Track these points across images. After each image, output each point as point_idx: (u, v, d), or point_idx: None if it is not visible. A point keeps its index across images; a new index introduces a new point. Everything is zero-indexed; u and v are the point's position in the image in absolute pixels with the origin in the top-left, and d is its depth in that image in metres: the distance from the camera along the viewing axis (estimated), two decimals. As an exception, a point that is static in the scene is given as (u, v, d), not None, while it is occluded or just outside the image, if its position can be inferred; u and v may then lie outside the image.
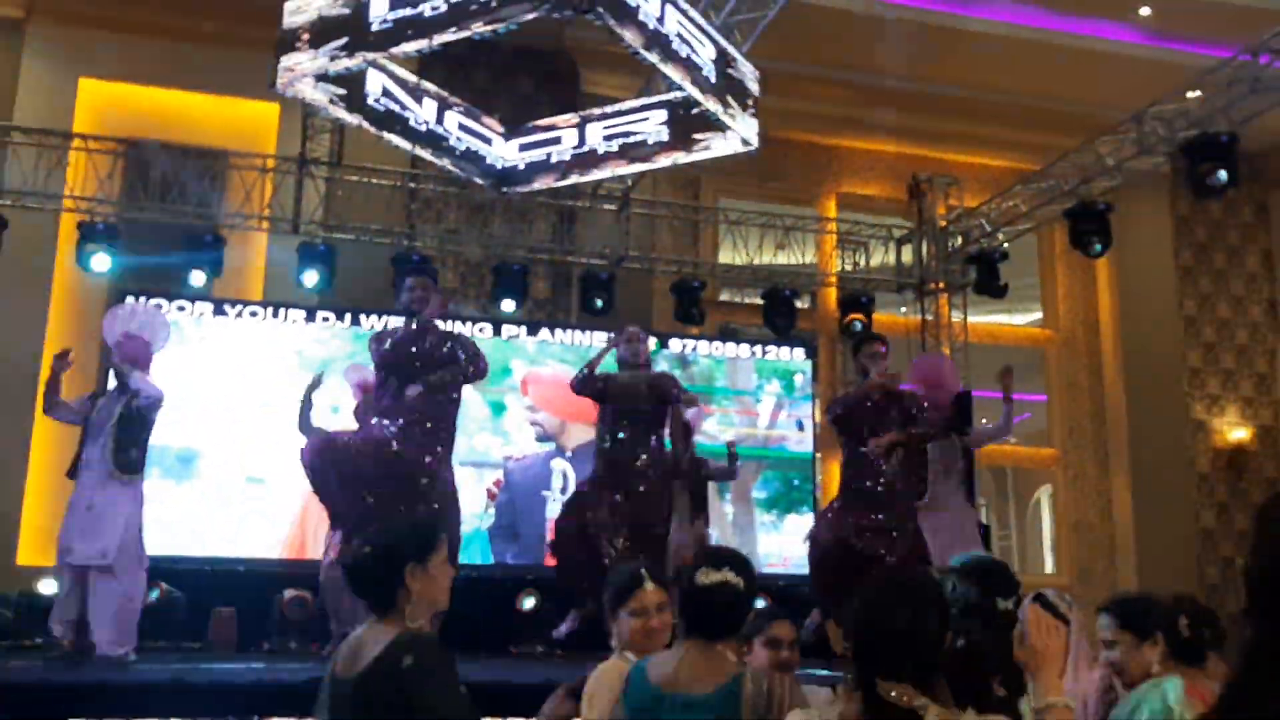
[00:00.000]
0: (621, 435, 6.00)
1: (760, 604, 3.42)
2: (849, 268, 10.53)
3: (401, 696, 2.28)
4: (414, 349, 5.61)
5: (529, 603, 7.43)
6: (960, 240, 10.12)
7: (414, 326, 5.71)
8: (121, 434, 5.61)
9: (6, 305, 8.64)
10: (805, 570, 8.96)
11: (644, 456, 5.97)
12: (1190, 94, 7.78)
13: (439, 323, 5.87)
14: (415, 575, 2.47)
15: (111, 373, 5.99)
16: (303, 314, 8.34)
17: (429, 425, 5.49)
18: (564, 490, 8.31)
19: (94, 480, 5.55)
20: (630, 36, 4.71)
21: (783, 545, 9.07)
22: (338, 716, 2.44)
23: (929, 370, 7.03)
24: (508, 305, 9.12)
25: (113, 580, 5.40)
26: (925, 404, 6.49)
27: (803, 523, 9.16)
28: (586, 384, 6.06)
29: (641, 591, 2.80)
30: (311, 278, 8.58)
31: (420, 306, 5.71)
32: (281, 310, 8.36)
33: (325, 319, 8.50)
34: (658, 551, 5.73)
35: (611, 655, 2.80)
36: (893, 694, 1.84)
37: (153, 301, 8.35)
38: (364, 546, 2.55)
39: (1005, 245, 9.73)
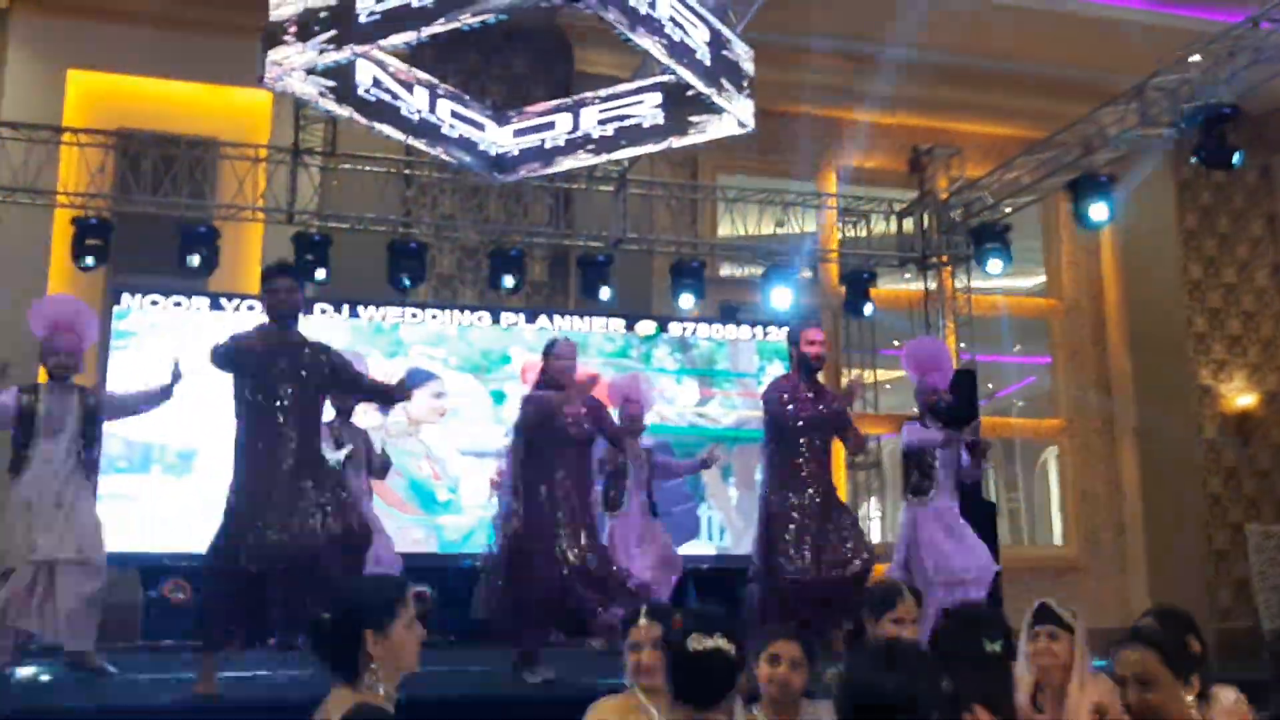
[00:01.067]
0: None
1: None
2: (850, 242, 10.43)
3: None
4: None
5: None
6: (962, 212, 10.01)
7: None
8: (85, 432, 5.53)
9: (5, 302, 8.57)
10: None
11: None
12: (1192, 58, 7.64)
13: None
14: (377, 642, 2.32)
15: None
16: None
17: None
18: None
19: (55, 476, 5.41)
20: (620, 21, 4.62)
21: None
22: None
23: (923, 354, 6.92)
24: (508, 282, 8.98)
25: (84, 575, 5.33)
26: (928, 389, 6.45)
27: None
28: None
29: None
30: (306, 269, 8.49)
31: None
32: (278, 303, 8.29)
33: (323, 310, 8.45)
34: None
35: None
36: None
37: (149, 298, 8.31)
38: (322, 613, 2.39)
39: (1008, 217, 9.62)
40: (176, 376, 5.54)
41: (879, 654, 2.02)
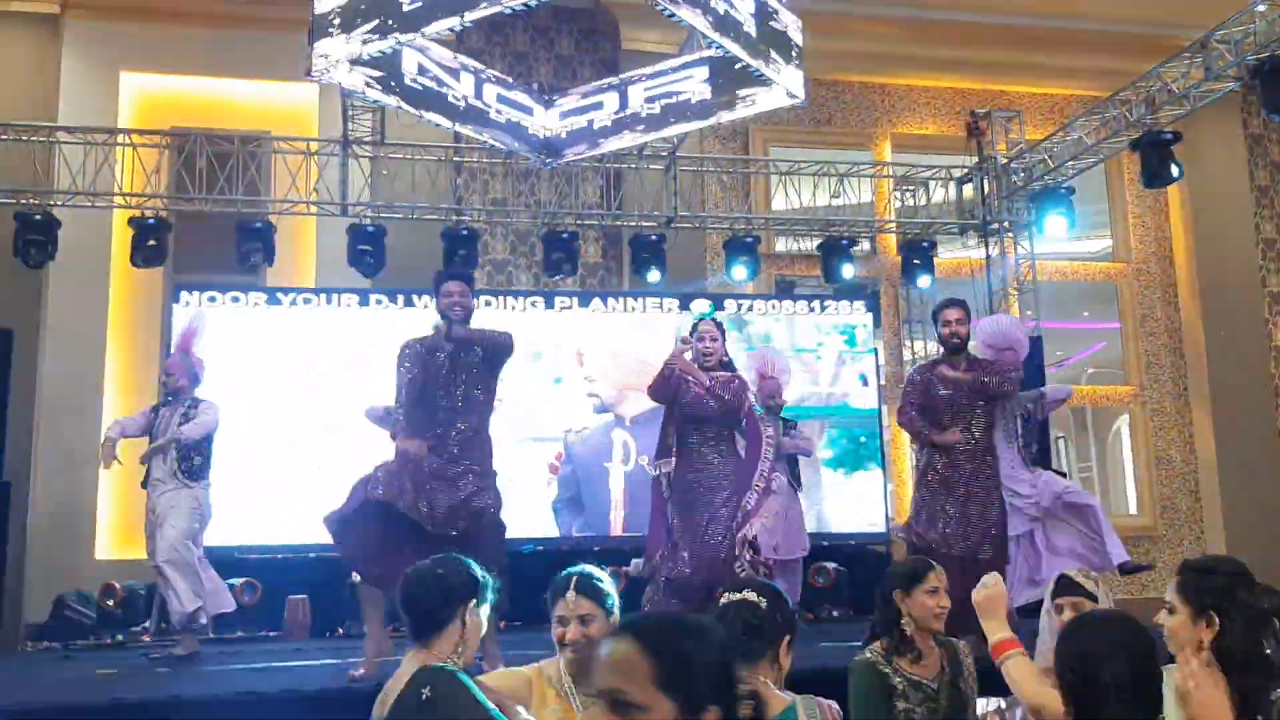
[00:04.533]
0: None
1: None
2: (908, 210, 10.23)
3: None
4: None
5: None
6: (1023, 176, 9.75)
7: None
8: (181, 445, 6.15)
9: (67, 305, 8.73)
10: (877, 531, 8.91)
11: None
12: (1258, 7, 7.34)
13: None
14: (470, 616, 2.53)
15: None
16: (356, 298, 8.31)
17: None
18: (625, 460, 8.25)
19: (155, 489, 6.16)
20: (665, -2, 4.53)
21: (853, 505, 8.92)
22: None
23: (996, 333, 6.78)
24: (562, 265, 8.94)
25: (175, 572, 5.98)
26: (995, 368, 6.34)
27: (871, 480, 9.01)
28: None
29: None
30: (362, 260, 8.52)
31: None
32: (335, 296, 8.34)
33: (379, 301, 8.48)
34: None
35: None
36: None
37: (207, 294, 8.40)
38: (437, 569, 2.58)
39: (1070, 179, 9.35)
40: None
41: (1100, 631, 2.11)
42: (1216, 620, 2.42)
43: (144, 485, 6.25)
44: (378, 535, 4.81)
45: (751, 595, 2.69)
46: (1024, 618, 5.06)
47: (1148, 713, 1.99)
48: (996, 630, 2.77)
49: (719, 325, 5.61)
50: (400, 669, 2.54)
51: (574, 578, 2.84)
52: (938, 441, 5.67)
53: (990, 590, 2.88)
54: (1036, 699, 2.57)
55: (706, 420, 5.28)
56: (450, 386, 5.08)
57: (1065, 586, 3.31)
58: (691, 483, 5.23)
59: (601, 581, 2.89)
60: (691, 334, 5.55)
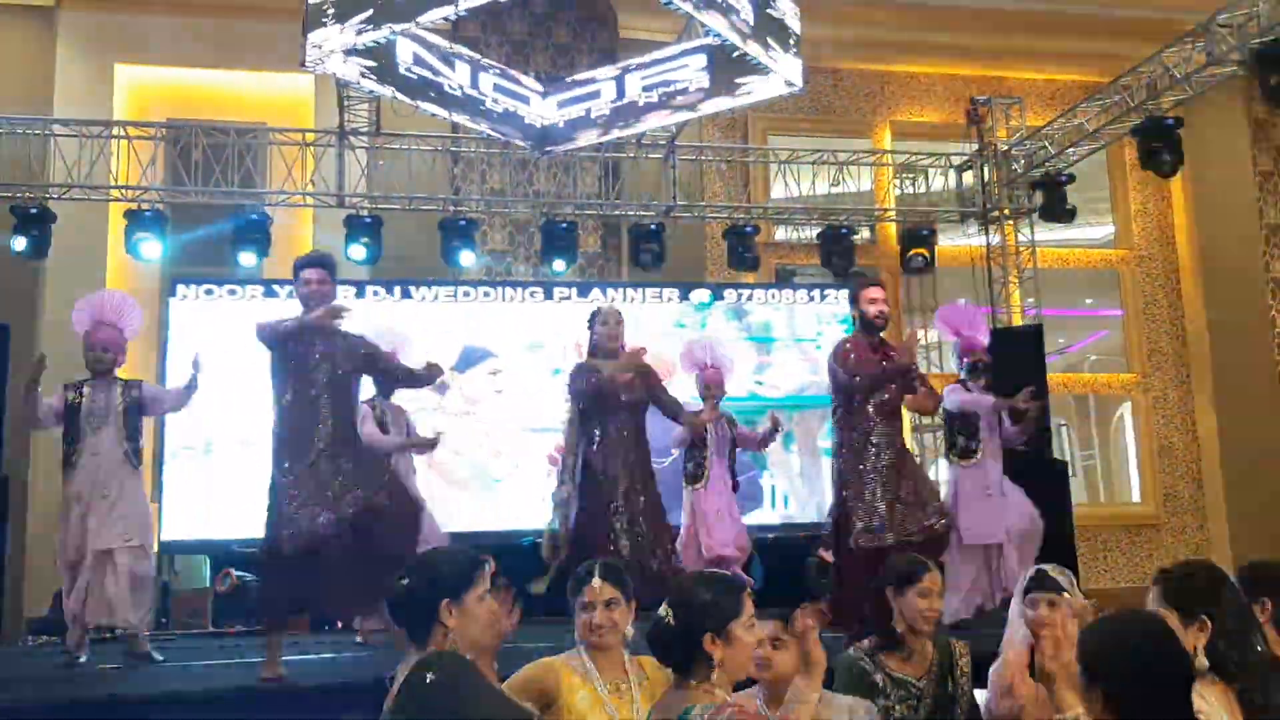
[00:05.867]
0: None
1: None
2: (908, 198, 10.17)
3: (431, 713, 2.24)
4: None
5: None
6: (1024, 164, 9.70)
7: None
8: (129, 424, 5.65)
9: (66, 298, 8.67)
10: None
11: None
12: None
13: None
14: (451, 613, 2.41)
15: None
16: (353, 290, 8.26)
17: None
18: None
19: (100, 469, 5.54)
20: (660, -16, 4.48)
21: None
22: None
23: (955, 316, 6.83)
24: (560, 255, 8.91)
25: (132, 558, 5.50)
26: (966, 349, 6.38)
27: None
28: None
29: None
30: (359, 251, 8.48)
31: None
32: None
33: (376, 292, 8.44)
34: None
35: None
36: None
37: (203, 287, 8.36)
38: (402, 579, 2.47)
39: (1072, 168, 9.29)
40: (196, 369, 5.70)
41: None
42: (1209, 623, 2.43)
43: (68, 464, 5.61)
44: None
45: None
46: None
47: (1187, 712, 1.95)
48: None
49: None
50: (400, 668, 2.47)
51: (596, 565, 2.98)
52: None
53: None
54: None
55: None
56: None
57: (1041, 583, 3.24)
58: None
59: (622, 569, 3.05)
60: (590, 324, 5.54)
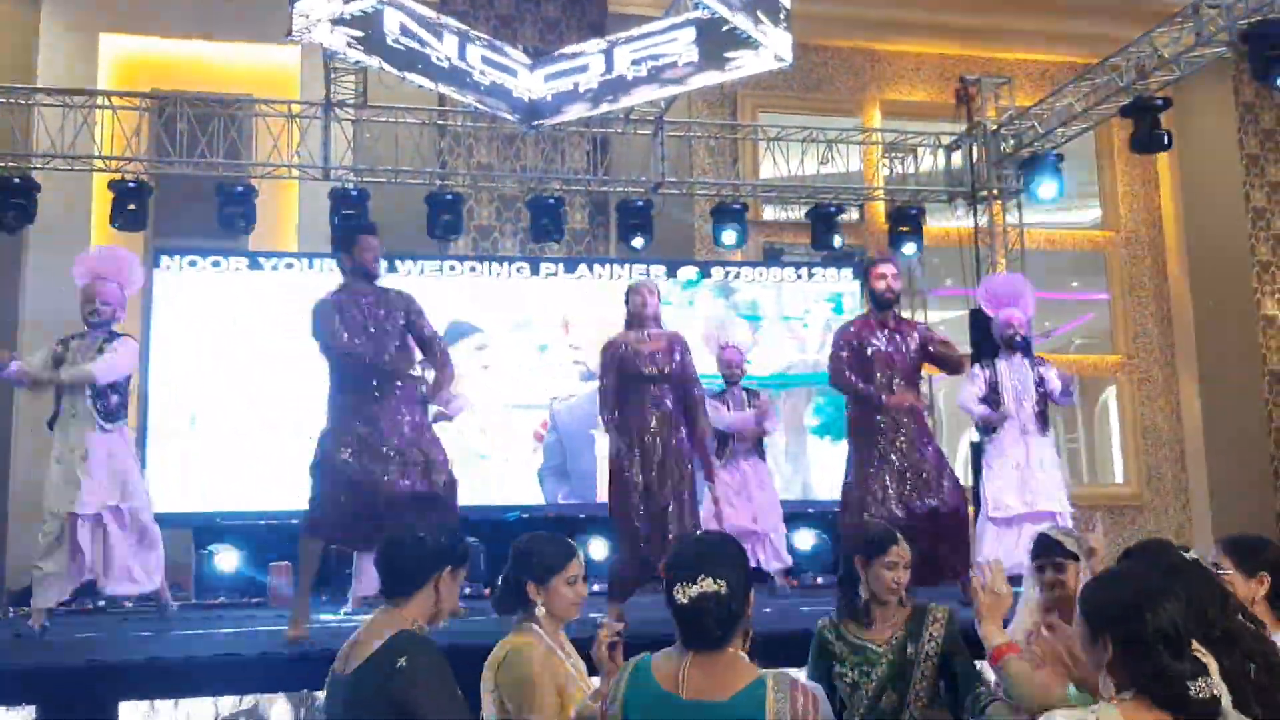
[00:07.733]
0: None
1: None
2: (896, 178, 10.15)
3: (392, 697, 2.31)
4: None
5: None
6: (1013, 144, 9.68)
7: None
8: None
9: (49, 269, 8.61)
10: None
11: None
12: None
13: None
14: (445, 582, 2.54)
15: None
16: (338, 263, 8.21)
17: None
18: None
19: (78, 425, 5.48)
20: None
21: (839, 472, 8.88)
22: (333, 713, 2.51)
23: (1001, 289, 6.83)
24: (548, 230, 8.83)
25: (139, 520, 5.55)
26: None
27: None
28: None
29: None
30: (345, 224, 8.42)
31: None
32: (317, 261, 8.25)
33: (362, 266, 8.38)
34: None
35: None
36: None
37: (188, 259, 8.30)
38: (416, 531, 2.61)
39: (1060, 146, 9.28)
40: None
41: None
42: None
43: (52, 424, 5.58)
44: None
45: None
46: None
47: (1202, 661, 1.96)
48: (995, 636, 2.76)
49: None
50: (369, 625, 2.52)
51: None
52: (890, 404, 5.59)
53: (993, 600, 2.85)
54: (1044, 695, 2.49)
55: None
56: None
57: (1045, 548, 3.26)
58: None
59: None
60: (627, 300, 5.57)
